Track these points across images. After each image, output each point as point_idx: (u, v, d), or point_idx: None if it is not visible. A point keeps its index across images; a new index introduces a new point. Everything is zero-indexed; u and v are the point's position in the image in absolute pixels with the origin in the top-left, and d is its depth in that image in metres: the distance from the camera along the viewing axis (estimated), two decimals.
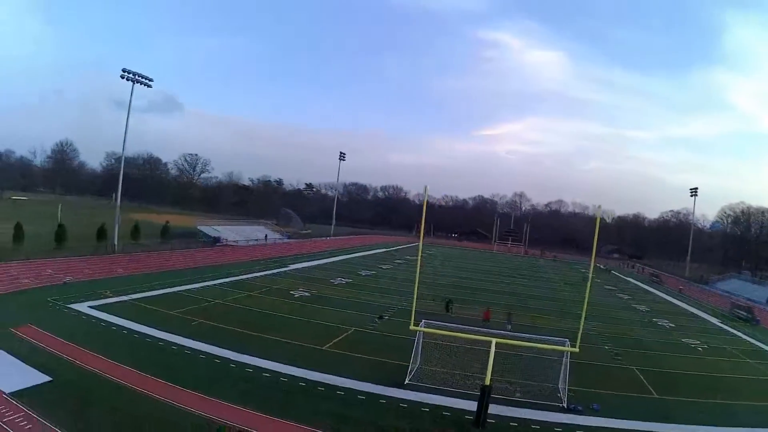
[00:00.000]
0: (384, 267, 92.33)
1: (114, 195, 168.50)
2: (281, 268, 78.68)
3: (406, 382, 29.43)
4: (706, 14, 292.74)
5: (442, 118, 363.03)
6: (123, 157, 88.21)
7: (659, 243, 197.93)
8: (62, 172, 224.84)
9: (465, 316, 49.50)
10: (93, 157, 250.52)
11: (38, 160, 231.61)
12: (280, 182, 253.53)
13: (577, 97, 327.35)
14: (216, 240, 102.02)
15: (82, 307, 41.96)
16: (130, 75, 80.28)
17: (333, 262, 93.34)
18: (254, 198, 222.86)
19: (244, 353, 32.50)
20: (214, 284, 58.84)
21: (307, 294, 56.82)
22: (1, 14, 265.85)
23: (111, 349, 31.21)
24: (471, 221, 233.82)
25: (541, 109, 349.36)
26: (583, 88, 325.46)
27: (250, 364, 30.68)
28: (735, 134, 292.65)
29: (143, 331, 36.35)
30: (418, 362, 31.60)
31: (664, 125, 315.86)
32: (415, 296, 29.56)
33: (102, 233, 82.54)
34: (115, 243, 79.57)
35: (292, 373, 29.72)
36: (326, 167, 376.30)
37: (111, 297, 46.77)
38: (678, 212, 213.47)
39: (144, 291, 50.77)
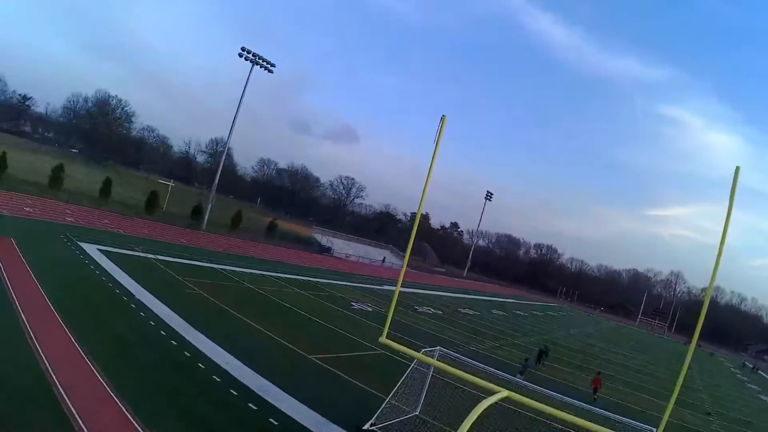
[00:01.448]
0: (496, 312, 79.36)
1: (258, 200, 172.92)
2: (374, 285, 70.33)
3: (366, 427, 19.13)
4: None
5: (609, 189, 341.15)
6: (227, 146, 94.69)
7: None
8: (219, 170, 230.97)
9: (555, 378, 37.73)
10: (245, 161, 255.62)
11: (192, 152, 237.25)
12: (426, 216, 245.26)
13: (753, 188, 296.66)
14: (326, 249, 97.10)
15: (92, 249, 40.77)
16: (250, 56, 77.15)
17: (439, 295, 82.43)
18: (398, 229, 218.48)
19: (207, 336, 25.35)
20: (271, 275, 52.62)
21: (368, 309, 47.61)
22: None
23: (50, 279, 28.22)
24: (620, 295, 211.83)
25: (716, 197, 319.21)
26: (761, 178, 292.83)
27: (197, 348, 23.27)
28: None
29: (122, 281, 32.59)
30: (401, 401, 20.73)
31: None
32: (393, 303, 19.05)
33: (197, 212, 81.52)
34: (204, 224, 78.72)
35: (237, 375, 20.88)
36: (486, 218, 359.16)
37: (137, 251, 45.77)
38: None
39: (180, 258, 48.36)
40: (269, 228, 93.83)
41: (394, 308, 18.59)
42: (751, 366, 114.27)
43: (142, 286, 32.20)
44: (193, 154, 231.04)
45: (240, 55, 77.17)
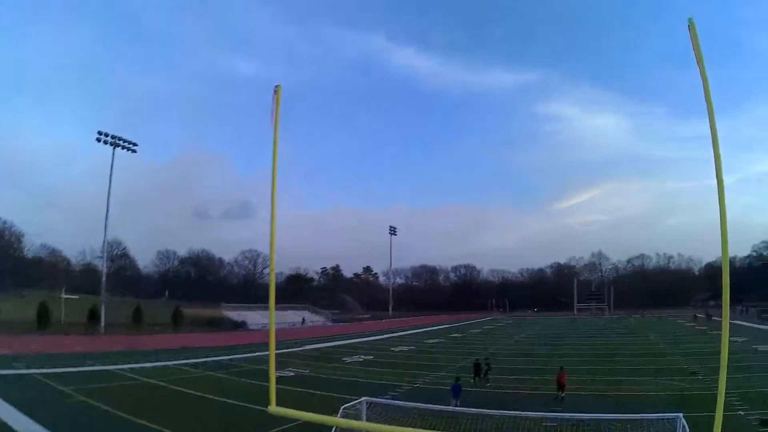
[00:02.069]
0: (432, 341, 74.48)
1: (166, 292, 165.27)
2: (294, 348, 64.67)
3: None
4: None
5: (513, 195, 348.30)
6: (105, 242, 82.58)
7: (758, 279, 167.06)
8: (120, 273, 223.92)
9: (511, 390, 33.77)
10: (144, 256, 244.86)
11: (89, 260, 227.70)
12: (337, 268, 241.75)
13: (646, 156, 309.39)
14: (239, 325, 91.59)
15: None
16: (108, 138, 71.94)
17: (368, 340, 77.61)
18: (315, 288, 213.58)
19: None
20: (177, 364, 47.27)
21: (289, 374, 41.73)
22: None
23: None
24: (550, 291, 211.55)
25: (614, 175, 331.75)
26: (652, 146, 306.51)
27: None
28: None
29: None
30: None
31: (745, 165, 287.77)
32: (272, 365, 15.01)
33: (93, 316, 75.14)
34: (102, 325, 73.53)
35: None
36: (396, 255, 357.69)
37: (20, 369, 42.17)
38: None
39: (70, 366, 44.79)
40: (174, 317, 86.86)
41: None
42: (703, 315, 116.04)
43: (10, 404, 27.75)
44: (89, 261, 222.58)
45: (98, 140, 71.58)
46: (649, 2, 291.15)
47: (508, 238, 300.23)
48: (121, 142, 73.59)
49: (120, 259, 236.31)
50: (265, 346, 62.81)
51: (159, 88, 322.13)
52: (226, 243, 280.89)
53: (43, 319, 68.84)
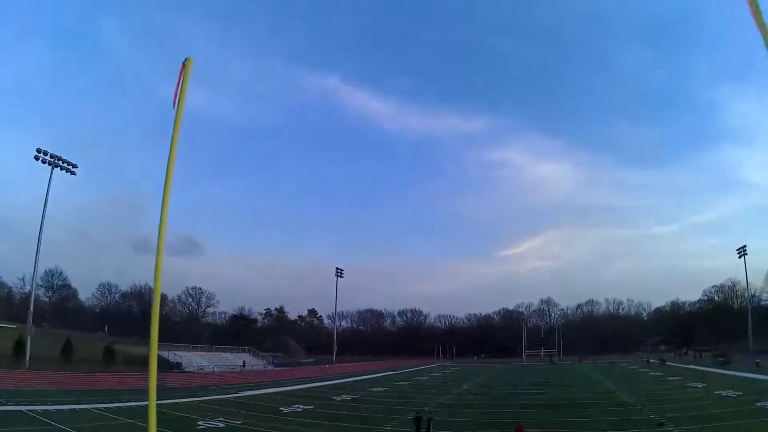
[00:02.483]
0: (378, 389, 71.28)
1: (106, 327, 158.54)
2: (230, 393, 61.09)
3: None
4: (701, 94, 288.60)
5: (460, 242, 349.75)
6: (34, 277, 78.12)
7: (708, 324, 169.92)
8: (61, 305, 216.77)
9: None
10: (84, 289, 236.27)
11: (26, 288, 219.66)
12: (281, 309, 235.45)
13: (592, 204, 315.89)
14: (175, 366, 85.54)
15: None
16: (47, 158, 67.92)
17: (310, 387, 74.36)
18: (258, 330, 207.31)
19: None
20: (97, 408, 43.95)
21: (218, 425, 37.82)
22: None
23: None
24: (498, 337, 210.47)
25: (560, 222, 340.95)
26: (598, 194, 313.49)
27: None
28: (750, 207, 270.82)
29: None
30: None
31: (688, 215, 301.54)
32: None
33: (19, 348, 69.97)
34: (27, 359, 66.64)
35: None
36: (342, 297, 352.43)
37: None
38: (722, 286, 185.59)
39: None
40: (105, 354, 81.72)
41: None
42: (657, 360, 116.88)
43: None
44: (28, 291, 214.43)
45: (36, 158, 67.64)
46: (599, 53, 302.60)
47: (455, 284, 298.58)
48: (60, 162, 69.79)
49: (61, 290, 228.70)
50: (198, 390, 59.95)
51: (104, 114, 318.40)
52: (171, 279, 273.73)
53: None
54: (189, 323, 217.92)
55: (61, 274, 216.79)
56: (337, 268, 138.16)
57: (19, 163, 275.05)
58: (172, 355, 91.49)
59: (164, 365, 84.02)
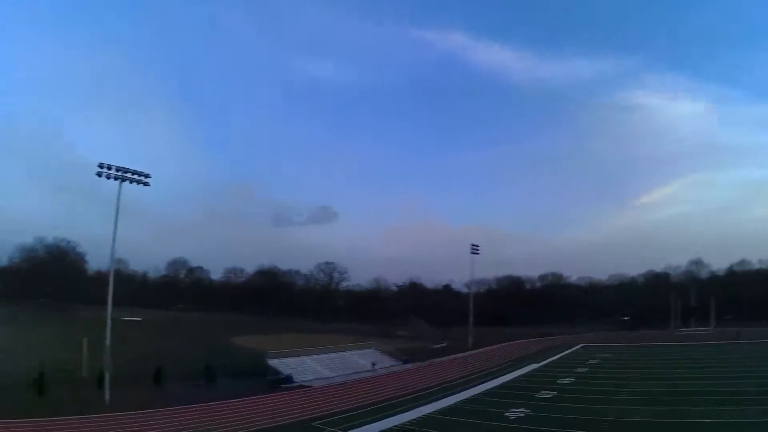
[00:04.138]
0: (543, 395, 57.39)
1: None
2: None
3: None
4: None
5: (592, 191, 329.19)
6: (112, 271, 66.51)
7: None
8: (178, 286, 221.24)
9: None
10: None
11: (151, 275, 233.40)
12: (415, 281, 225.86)
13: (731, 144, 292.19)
14: (283, 380, 73.18)
15: None
16: (111, 172, 61.35)
17: (463, 398, 62.22)
18: (390, 305, 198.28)
19: None
20: None
21: None
22: None
23: None
24: (643, 302, 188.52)
25: (697, 165, 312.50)
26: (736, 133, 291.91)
27: None
28: None
29: None
30: None
31: None
32: None
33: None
34: (107, 395, 55.76)
35: None
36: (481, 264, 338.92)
37: None
38: None
39: None
40: (206, 373, 71.56)
41: None
42: None
43: None
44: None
45: (99, 174, 60.34)
46: None
47: (594, 241, 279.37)
48: (128, 175, 62.77)
49: (192, 273, 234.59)
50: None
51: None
52: (307, 250, 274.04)
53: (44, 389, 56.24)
54: (322, 299, 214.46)
55: (185, 262, 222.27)
56: (472, 245, 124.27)
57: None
58: (281, 365, 79.54)
59: (271, 378, 75.19)
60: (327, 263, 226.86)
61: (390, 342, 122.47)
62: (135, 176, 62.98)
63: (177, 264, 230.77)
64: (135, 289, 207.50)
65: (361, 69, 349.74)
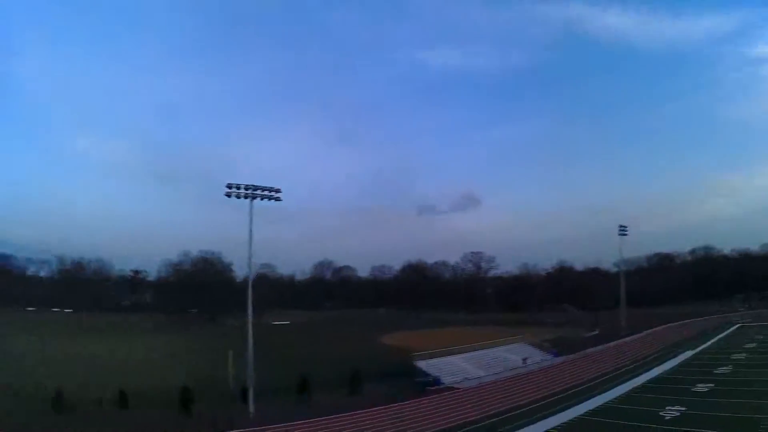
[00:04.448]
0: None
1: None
2: None
3: None
4: None
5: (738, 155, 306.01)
6: (250, 278, 69.04)
7: None
8: (325, 286, 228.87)
9: None
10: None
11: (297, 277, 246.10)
12: (563, 264, 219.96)
13: None
14: (431, 383, 71.78)
15: None
16: (240, 191, 61.90)
17: (633, 395, 60.10)
18: (538, 291, 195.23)
19: None
20: None
21: None
22: None
23: None
24: None
25: None
26: None
27: None
28: None
29: None
30: None
31: None
32: None
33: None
34: (251, 408, 57.58)
35: None
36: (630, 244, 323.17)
37: None
38: None
39: None
40: (353, 379, 70.53)
41: None
42: None
43: None
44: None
45: (228, 195, 61.61)
46: None
47: (747, 208, 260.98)
48: (267, 193, 63.57)
49: (339, 272, 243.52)
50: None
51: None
52: (449, 243, 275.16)
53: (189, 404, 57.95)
54: (471, 289, 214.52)
55: (330, 263, 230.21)
56: (620, 226, 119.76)
57: None
58: (429, 366, 77.93)
59: (420, 382, 73.22)
60: (474, 253, 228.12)
61: (540, 331, 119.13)
62: (265, 192, 63.40)
63: (323, 265, 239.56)
64: (284, 291, 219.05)
65: (489, 54, 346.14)
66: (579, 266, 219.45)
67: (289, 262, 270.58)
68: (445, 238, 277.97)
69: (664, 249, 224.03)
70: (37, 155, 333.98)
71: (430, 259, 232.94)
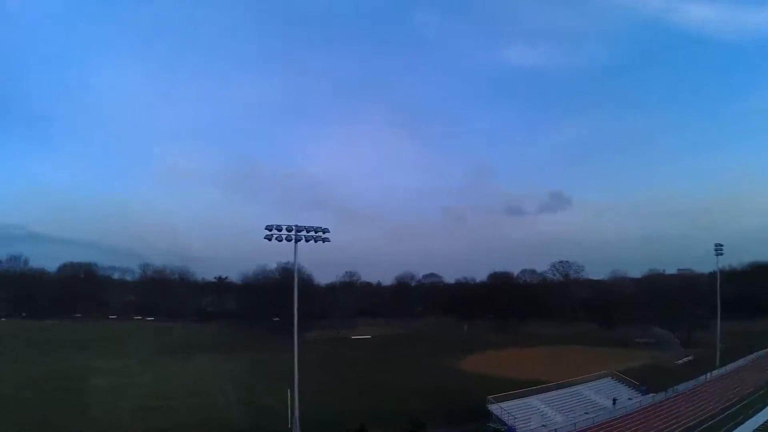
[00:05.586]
0: None
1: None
2: None
3: None
4: None
5: None
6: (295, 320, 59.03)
7: None
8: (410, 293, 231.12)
9: None
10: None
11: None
12: (655, 271, 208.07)
13: None
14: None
15: None
16: (282, 233, 57.74)
17: None
18: (627, 301, 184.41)
19: None
20: None
21: None
22: None
23: None
24: None
25: None
26: None
27: None
28: None
29: None
30: None
31: None
32: None
33: None
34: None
35: None
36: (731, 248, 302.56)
37: None
38: None
39: None
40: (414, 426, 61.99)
41: None
42: None
43: None
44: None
45: (268, 238, 57.13)
46: None
47: None
48: (313, 233, 59.36)
49: (425, 278, 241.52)
50: None
51: None
52: (537, 246, 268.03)
53: None
54: (557, 299, 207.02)
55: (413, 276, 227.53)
56: (716, 245, 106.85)
57: None
58: (504, 411, 69.54)
59: (488, 428, 66.91)
60: (561, 262, 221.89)
61: (628, 355, 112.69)
62: (311, 233, 59.17)
63: (406, 275, 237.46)
64: (368, 298, 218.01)
65: (569, 50, 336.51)
66: (671, 269, 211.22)
67: (373, 267, 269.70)
68: (532, 241, 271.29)
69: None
70: (121, 163, 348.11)
71: (517, 264, 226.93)
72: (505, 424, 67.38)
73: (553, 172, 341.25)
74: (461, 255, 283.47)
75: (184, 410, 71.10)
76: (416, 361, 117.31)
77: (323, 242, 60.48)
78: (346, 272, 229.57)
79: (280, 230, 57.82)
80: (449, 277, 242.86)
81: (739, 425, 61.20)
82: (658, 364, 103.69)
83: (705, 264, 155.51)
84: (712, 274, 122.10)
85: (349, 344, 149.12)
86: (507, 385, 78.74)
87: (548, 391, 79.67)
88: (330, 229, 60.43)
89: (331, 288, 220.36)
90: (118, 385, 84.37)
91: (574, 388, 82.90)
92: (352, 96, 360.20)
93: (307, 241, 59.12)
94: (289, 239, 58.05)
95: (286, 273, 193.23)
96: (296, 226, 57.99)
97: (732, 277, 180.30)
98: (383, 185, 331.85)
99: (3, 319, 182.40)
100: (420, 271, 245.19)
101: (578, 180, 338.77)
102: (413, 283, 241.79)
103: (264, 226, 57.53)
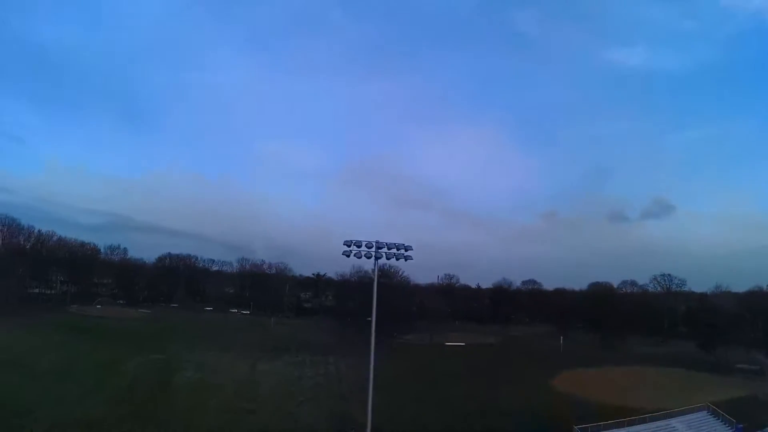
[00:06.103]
0: None
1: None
2: None
3: None
4: None
5: None
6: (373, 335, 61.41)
7: None
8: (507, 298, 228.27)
9: None
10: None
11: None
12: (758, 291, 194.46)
13: None
14: None
15: None
16: (362, 249, 56.40)
17: None
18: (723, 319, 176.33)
19: None
20: None
21: None
22: None
23: None
24: None
25: None
26: None
27: None
28: None
29: None
30: None
31: None
32: None
33: None
34: None
35: None
36: None
37: None
38: None
39: None
40: None
41: None
42: None
43: None
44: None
45: (347, 254, 56.35)
46: None
47: None
48: (394, 251, 57.45)
49: (525, 284, 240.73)
50: None
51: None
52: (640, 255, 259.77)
53: None
54: (658, 316, 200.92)
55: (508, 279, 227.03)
56: None
57: None
58: None
59: None
60: (663, 275, 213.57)
61: (728, 382, 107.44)
62: (392, 251, 57.43)
63: (505, 280, 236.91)
64: (466, 301, 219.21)
65: (680, 52, 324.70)
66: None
67: (472, 270, 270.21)
68: (634, 249, 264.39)
69: None
70: (226, 158, 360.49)
71: (617, 273, 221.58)
72: None
73: (660, 180, 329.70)
74: (561, 261, 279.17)
75: (268, 415, 73.94)
76: (508, 374, 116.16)
77: (405, 260, 58.85)
78: (446, 274, 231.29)
79: (359, 246, 56.47)
80: (548, 285, 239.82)
81: None
82: (760, 397, 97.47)
83: None
84: None
85: (443, 351, 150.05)
86: (598, 410, 77.85)
87: (637, 424, 76.51)
88: (416, 244, 58.66)
89: (430, 289, 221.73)
90: (205, 383, 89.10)
91: (665, 422, 79.33)
92: (462, 98, 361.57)
93: (388, 258, 58.09)
94: (368, 256, 56.84)
95: (383, 274, 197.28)
96: (377, 242, 56.73)
97: None
98: (487, 188, 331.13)
99: (99, 307, 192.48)
100: (519, 277, 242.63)
101: (684, 188, 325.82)
102: (512, 288, 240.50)
103: (345, 239, 56.80)
